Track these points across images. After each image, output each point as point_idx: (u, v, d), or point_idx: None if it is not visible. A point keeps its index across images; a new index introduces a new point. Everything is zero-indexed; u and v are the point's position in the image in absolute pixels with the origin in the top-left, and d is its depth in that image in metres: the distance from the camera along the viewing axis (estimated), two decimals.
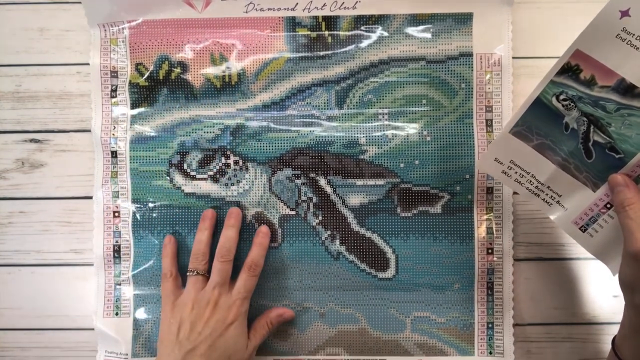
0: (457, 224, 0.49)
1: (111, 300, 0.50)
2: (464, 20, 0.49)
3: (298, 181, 0.50)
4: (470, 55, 0.49)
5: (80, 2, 0.50)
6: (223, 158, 0.50)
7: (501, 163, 0.43)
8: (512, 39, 0.49)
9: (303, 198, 0.50)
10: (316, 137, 0.49)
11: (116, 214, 0.50)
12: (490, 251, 0.49)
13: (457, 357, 0.49)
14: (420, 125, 0.49)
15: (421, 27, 0.49)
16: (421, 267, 0.49)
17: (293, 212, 0.50)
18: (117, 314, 0.50)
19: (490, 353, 0.49)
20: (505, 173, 0.43)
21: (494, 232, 0.49)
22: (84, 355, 0.51)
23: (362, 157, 0.49)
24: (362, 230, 0.49)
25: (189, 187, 0.50)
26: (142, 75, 0.50)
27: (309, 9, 0.49)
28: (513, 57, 0.50)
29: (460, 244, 0.49)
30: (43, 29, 0.52)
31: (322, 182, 0.50)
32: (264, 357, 0.50)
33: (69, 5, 0.52)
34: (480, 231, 0.49)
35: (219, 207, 0.50)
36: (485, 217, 0.49)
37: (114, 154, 0.50)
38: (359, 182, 0.49)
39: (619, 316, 0.40)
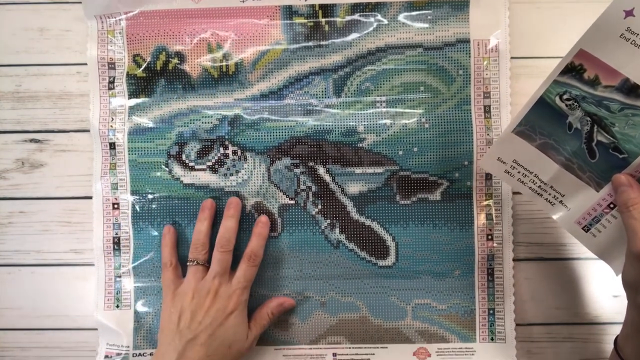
0: (456, 211, 0.49)
1: (112, 293, 0.50)
2: (460, 6, 0.49)
3: (297, 170, 0.50)
4: (467, 41, 0.49)
5: (80, 2, 0.50)
6: (221, 148, 0.50)
7: (504, 162, 0.42)
8: (509, 25, 0.49)
9: (302, 187, 0.50)
10: (314, 125, 0.49)
11: (115, 206, 0.50)
12: (490, 237, 0.49)
13: (459, 344, 0.49)
14: (419, 112, 0.49)
15: (418, 14, 0.49)
16: (421, 255, 0.49)
17: (292, 202, 0.50)
18: (117, 306, 0.50)
19: (492, 339, 0.49)
20: (508, 172, 0.43)
21: (494, 219, 0.49)
22: (84, 355, 0.51)
23: (360, 145, 0.49)
24: (362, 219, 0.49)
25: (187, 177, 0.50)
26: (139, 66, 0.50)
27: None
28: (512, 57, 0.50)
29: (460, 231, 0.49)
30: (43, 29, 0.52)
31: (321, 170, 0.50)
32: (265, 347, 0.50)
33: (69, 5, 0.52)
34: (480, 217, 0.49)
35: (218, 198, 0.50)
36: (485, 203, 0.49)
37: (112, 146, 0.50)
38: (358, 171, 0.49)
39: (620, 316, 0.40)
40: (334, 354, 0.50)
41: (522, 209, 0.50)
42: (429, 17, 0.49)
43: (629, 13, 0.33)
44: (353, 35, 0.49)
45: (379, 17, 0.49)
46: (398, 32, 0.49)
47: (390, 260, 0.49)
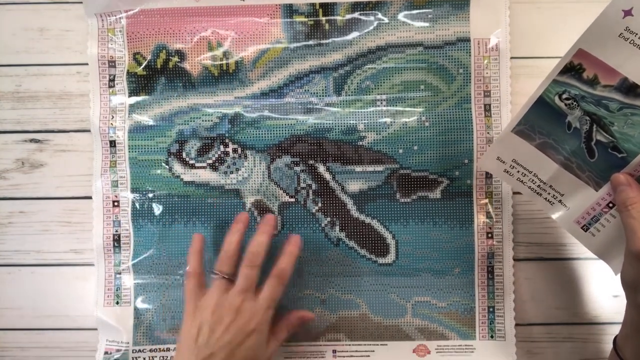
0: (456, 209, 0.49)
1: (112, 290, 0.50)
2: (461, 5, 0.49)
3: (297, 168, 0.50)
4: (467, 40, 0.49)
5: (80, 2, 0.50)
6: (222, 146, 0.50)
7: (503, 162, 0.43)
8: (509, 24, 0.49)
9: (302, 185, 0.50)
10: (314, 124, 0.49)
11: (115, 204, 0.50)
12: (490, 235, 0.49)
13: (458, 341, 0.49)
14: (419, 110, 0.49)
15: (418, 13, 0.49)
16: (421, 252, 0.49)
17: (292, 200, 0.50)
18: (117, 302, 0.50)
19: (492, 337, 0.49)
20: (508, 172, 0.43)
21: (494, 217, 0.49)
22: (84, 355, 0.51)
23: (360, 143, 0.49)
24: (362, 217, 0.50)
25: (188, 175, 0.50)
26: (139, 64, 0.50)
27: None
28: (513, 57, 0.50)
29: (460, 229, 0.49)
30: (43, 29, 0.52)
31: (321, 169, 0.50)
32: None
33: (69, 5, 0.52)
34: (480, 215, 0.49)
35: (218, 196, 0.50)
36: (485, 201, 0.49)
37: (113, 144, 0.50)
38: (358, 169, 0.49)
39: (620, 316, 0.40)
40: (334, 351, 0.50)
41: (522, 209, 0.50)
42: (429, 15, 0.49)
43: (628, 13, 0.33)
44: (353, 34, 0.50)
45: (380, 15, 0.49)
46: (398, 31, 0.49)
47: (390, 258, 0.49)
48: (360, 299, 0.50)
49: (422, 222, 0.49)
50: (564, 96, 0.38)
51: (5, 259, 0.52)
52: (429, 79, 0.49)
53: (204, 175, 0.50)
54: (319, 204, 0.50)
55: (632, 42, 0.34)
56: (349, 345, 0.50)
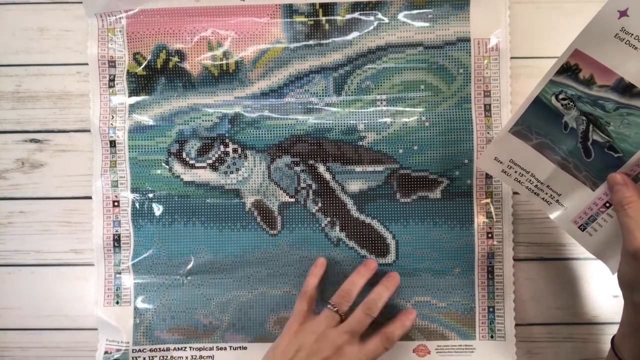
0: (456, 209, 0.49)
1: (111, 289, 0.50)
2: (461, 5, 0.49)
3: (297, 168, 0.50)
4: (467, 40, 0.49)
5: (80, 2, 0.50)
6: (222, 146, 0.50)
7: (501, 162, 0.43)
8: (509, 24, 0.49)
9: (302, 185, 0.50)
10: (314, 124, 0.49)
11: (116, 204, 0.50)
12: (490, 235, 0.49)
13: (458, 341, 0.49)
14: (419, 110, 0.49)
15: (418, 13, 0.49)
16: (421, 252, 0.49)
17: (292, 200, 0.50)
18: (117, 302, 0.50)
19: (492, 337, 0.49)
20: (505, 172, 0.43)
21: (494, 217, 0.49)
22: (83, 355, 0.51)
23: (360, 143, 0.49)
24: (362, 217, 0.50)
25: (188, 175, 0.50)
26: (139, 64, 0.50)
27: None
28: (513, 57, 0.50)
29: (460, 229, 0.49)
30: (43, 29, 0.52)
31: (321, 169, 0.50)
32: (265, 345, 0.50)
33: (69, 5, 0.52)
34: (480, 215, 0.49)
35: (218, 196, 0.50)
36: (485, 201, 0.49)
37: (113, 144, 0.50)
38: (358, 169, 0.49)
39: (619, 316, 0.40)
40: None
41: (522, 209, 0.50)
42: (429, 15, 0.49)
43: (623, 13, 0.33)
44: (353, 34, 0.50)
45: (380, 15, 0.49)
46: (398, 31, 0.49)
47: (391, 258, 0.49)
48: (360, 298, 0.49)
49: (422, 222, 0.49)
50: (561, 96, 0.38)
51: (5, 259, 0.52)
52: (429, 79, 0.49)
53: (204, 175, 0.50)
54: (319, 204, 0.50)
55: (627, 42, 0.34)
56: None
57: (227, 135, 0.50)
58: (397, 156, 0.49)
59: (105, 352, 0.49)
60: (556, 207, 0.41)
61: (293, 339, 0.44)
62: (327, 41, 0.50)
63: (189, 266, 0.50)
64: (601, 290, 0.50)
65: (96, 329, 0.51)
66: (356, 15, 0.49)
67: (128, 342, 0.50)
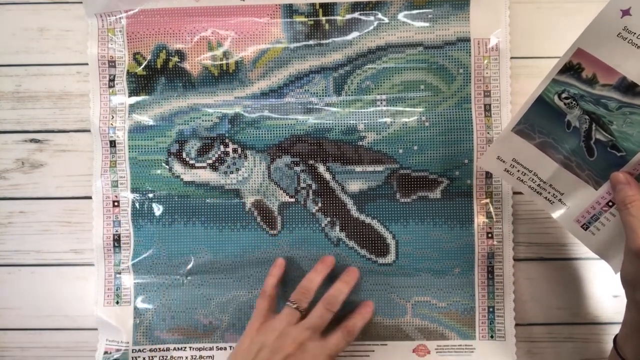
0: (456, 209, 0.49)
1: (111, 289, 0.50)
2: (461, 5, 0.49)
3: (297, 168, 0.50)
4: (467, 40, 0.49)
5: (80, 2, 0.50)
6: (222, 146, 0.50)
7: (503, 161, 0.43)
8: (509, 24, 0.49)
9: (302, 185, 0.50)
10: (314, 124, 0.49)
11: (116, 204, 0.50)
12: (490, 235, 0.49)
13: (458, 341, 0.49)
14: (419, 110, 0.49)
15: (418, 13, 0.49)
16: (421, 252, 0.49)
17: (292, 200, 0.50)
18: (117, 302, 0.50)
19: (492, 337, 0.49)
20: (508, 171, 0.43)
21: (494, 217, 0.49)
22: (83, 355, 0.51)
23: (360, 143, 0.49)
24: (362, 217, 0.50)
25: (188, 175, 0.50)
26: (139, 64, 0.50)
27: None
28: (513, 57, 0.50)
29: (460, 229, 0.49)
30: (43, 29, 0.52)
31: (321, 169, 0.50)
32: None
33: (69, 5, 0.52)
34: (480, 215, 0.49)
35: (218, 196, 0.50)
36: (485, 201, 0.49)
37: (113, 144, 0.50)
38: (358, 169, 0.49)
39: (620, 316, 0.40)
40: None
41: (522, 209, 0.50)
42: (429, 15, 0.49)
43: (626, 12, 0.33)
44: (353, 34, 0.50)
45: (380, 15, 0.49)
46: (398, 31, 0.49)
47: (390, 258, 0.49)
48: (360, 298, 0.50)
49: (422, 222, 0.49)
50: (563, 95, 0.38)
51: (5, 259, 0.52)
52: (429, 79, 0.49)
53: (204, 175, 0.50)
54: (319, 204, 0.50)
55: (630, 41, 0.34)
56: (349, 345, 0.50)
57: (227, 135, 0.50)
58: (397, 156, 0.49)
59: (105, 352, 0.49)
60: (559, 206, 0.41)
61: (255, 338, 0.44)
62: (327, 41, 0.50)
63: (189, 266, 0.50)
64: (602, 290, 0.50)
65: (96, 329, 0.51)
66: (356, 15, 0.49)
67: (128, 342, 0.50)
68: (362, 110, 0.49)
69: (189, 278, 0.50)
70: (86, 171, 0.51)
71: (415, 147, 0.49)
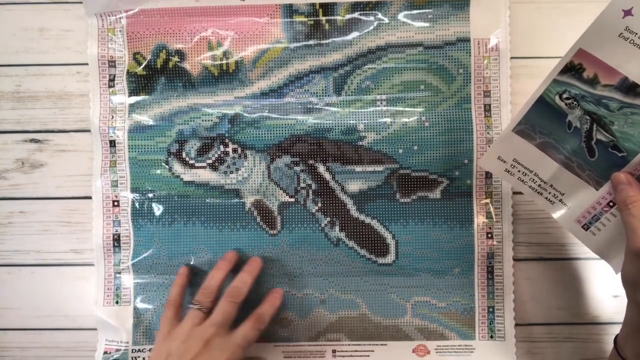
0: (456, 209, 0.49)
1: (111, 289, 0.50)
2: (461, 5, 0.49)
3: (297, 168, 0.50)
4: (467, 40, 0.49)
5: (80, 2, 0.50)
6: (222, 146, 0.50)
7: (504, 161, 0.43)
8: (509, 24, 0.49)
9: (302, 185, 0.50)
10: (314, 124, 0.49)
11: (115, 203, 0.50)
12: (489, 235, 0.49)
13: (458, 341, 0.49)
14: (419, 110, 0.49)
15: (418, 13, 0.49)
16: (421, 252, 0.49)
17: (292, 199, 0.50)
18: (117, 302, 0.50)
19: (492, 337, 0.49)
20: (508, 171, 0.43)
21: (493, 217, 0.49)
22: (83, 355, 0.51)
23: (360, 143, 0.49)
24: (362, 217, 0.50)
25: (187, 175, 0.50)
26: (139, 64, 0.50)
27: None
28: (513, 57, 0.50)
29: (460, 229, 0.49)
30: (43, 29, 0.52)
31: (321, 168, 0.50)
32: (264, 344, 0.50)
33: (69, 5, 0.52)
34: (480, 215, 0.49)
35: (218, 196, 0.50)
36: (485, 201, 0.49)
37: (113, 144, 0.50)
38: (358, 169, 0.49)
39: (620, 316, 0.40)
40: (334, 351, 0.50)
41: (522, 209, 0.50)
42: (429, 16, 0.49)
43: (628, 12, 0.33)
44: (353, 34, 0.50)
45: (380, 15, 0.49)
46: (398, 31, 0.49)
47: (390, 258, 0.49)
48: (360, 299, 0.50)
49: (422, 222, 0.49)
50: (564, 96, 0.38)
51: (5, 259, 0.52)
52: (429, 79, 0.49)
53: (204, 175, 0.50)
54: (319, 204, 0.50)
55: (632, 41, 0.34)
56: (349, 345, 0.50)
57: (227, 135, 0.50)
58: (397, 156, 0.49)
59: (105, 352, 0.50)
60: (559, 206, 0.41)
61: (161, 347, 0.43)
62: (327, 41, 0.50)
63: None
64: (602, 290, 0.50)
65: (96, 329, 0.51)
66: (356, 15, 0.49)
67: (127, 342, 0.50)
68: (362, 110, 0.49)
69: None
70: (86, 171, 0.51)
71: (415, 147, 0.49)
